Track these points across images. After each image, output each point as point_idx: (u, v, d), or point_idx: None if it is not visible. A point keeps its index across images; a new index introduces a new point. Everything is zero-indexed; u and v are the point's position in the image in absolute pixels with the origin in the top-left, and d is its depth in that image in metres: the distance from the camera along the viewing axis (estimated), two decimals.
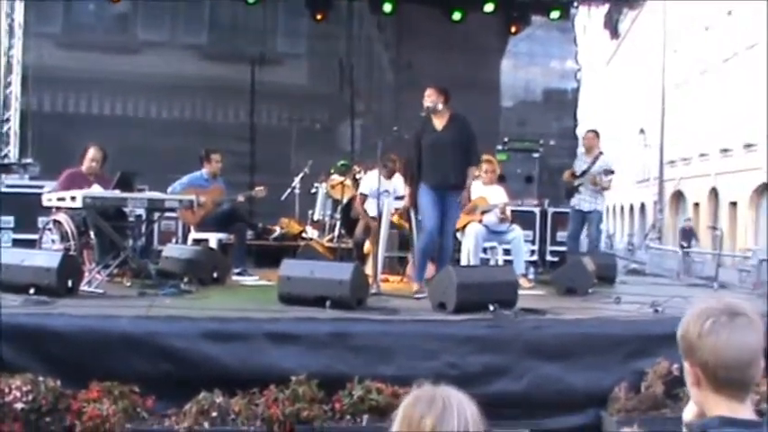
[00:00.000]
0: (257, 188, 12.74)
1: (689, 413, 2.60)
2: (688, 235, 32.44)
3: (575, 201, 13.38)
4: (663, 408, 7.72)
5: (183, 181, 11.88)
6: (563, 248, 13.95)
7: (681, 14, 43.47)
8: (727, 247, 32.27)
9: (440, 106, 10.31)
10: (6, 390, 6.74)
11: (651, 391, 7.82)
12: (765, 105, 30.28)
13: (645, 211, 51.67)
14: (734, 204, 36.94)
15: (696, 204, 41.98)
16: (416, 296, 9.96)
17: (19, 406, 6.72)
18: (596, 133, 13.98)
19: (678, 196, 45.21)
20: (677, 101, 44.30)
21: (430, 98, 10.32)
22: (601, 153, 13.49)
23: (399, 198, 11.68)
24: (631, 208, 56.10)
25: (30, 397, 6.76)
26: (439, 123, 10.35)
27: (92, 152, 11.07)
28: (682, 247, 29.07)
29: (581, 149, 13.90)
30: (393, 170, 11.98)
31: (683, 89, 43.66)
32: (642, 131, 49.78)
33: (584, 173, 13.25)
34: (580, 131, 16.91)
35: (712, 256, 24.50)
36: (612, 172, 13.33)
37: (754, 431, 2.40)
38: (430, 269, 10.61)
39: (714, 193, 39.47)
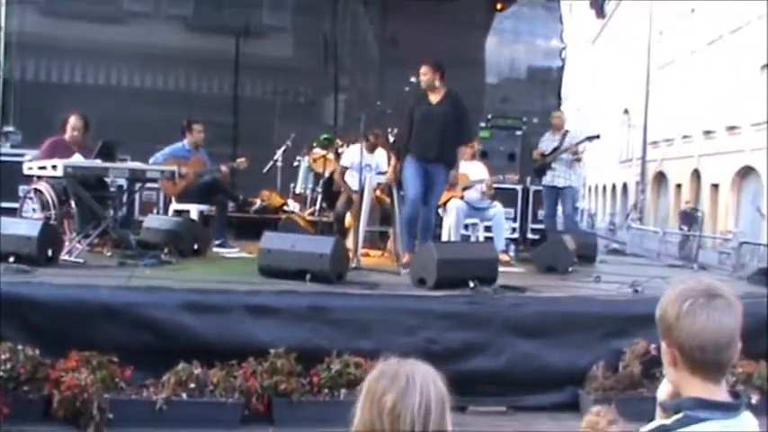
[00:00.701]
0: (239, 160, 12.71)
1: (663, 392, 2.61)
2: (688, 218, 32.19)
3: (548, 178, 13.41)
4: (640, 387, 7.76)
5: (165, 151, 11.84)
6: (556, 227, 13.94)
7: None
8: (707, 228, 32.42)
9: (437, 83, 10.30)
10: None
11: (629, 370, 7.87)
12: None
13: (627, 192, 51.77)
14: (715, 186, 37.05)
15: (678, 185, 42.07)
16: (404, 268, 9.96)
17: None
18: (563, 113, 14.21)
19: (660, 177, 45.30)
20: (662, 82, 44.35)
21: (426, 76, 10.29)
22: (567, 131, 13.54)
23: (381, 173, 11.66)
24: (613, 187, 56.20)
25: (8, 365, 6.75)
26: (434, 98, 10.34)
27: (73, 120, 11.02)
28: (681, 230, 29.01)
29: (549, 131, 13.86)
30: (375, 144, 11.97)
31: (668, 70, 43.69)
32: (626, 111, 49.90)
33: (554, 150, 13.27)
34: (565, 109, 16.94)
35: (692, 238, 24.64)
36: (598, 137, 13.41)
37: (729, 413, 2.41)
38: None
39: (696, 174, 39.56)
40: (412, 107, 10.42)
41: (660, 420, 2.44)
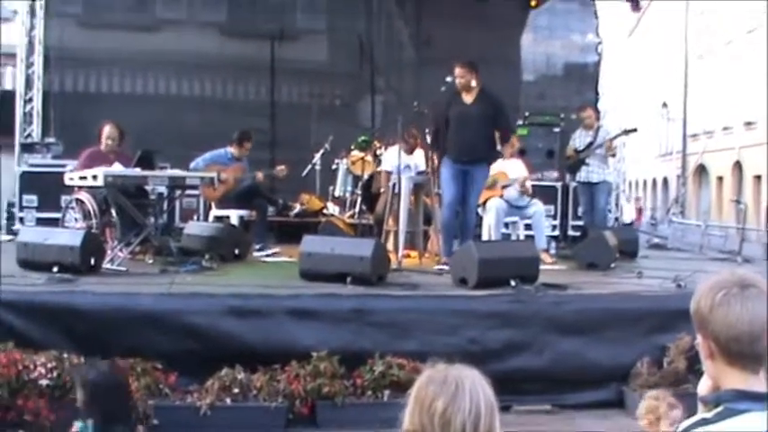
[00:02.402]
0: (278, 168, 12.75)
1: (704, 387, 2.60)
2: None
3: (582, 174, 13.30)
4: (685, 383, 7.68)
5: (206, 157, 11.89)
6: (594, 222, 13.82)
7: None
8: (751, 221, 32.07)
9: (473, 83, 10.29)
10: (31, 367, 6.81)
11: (673, 366, 7.82)
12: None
13: (668, 186, 51.38)
14: (758, 178, 36.67)
15: (719, 178, 41.70)
16: (438, 268, 9.99)
17: (44, 382, 6.79)
18: (596, 109, 14.17)
19: (701, 170, 44.90)
20: (700, 73, 43.97)
21: (463, 78, 10.27)
22: (600, 126, 13.45)
23: (421, 173, 11.64)
24: (654, 182, 55.78)
25: (54, 374, 6.83)
26: (468, 98, 10.32)
27: (107, 130, 11.08)
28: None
29: (579, 128, 13.75)
30: (414, 145, 11.95)
31: (707, 61, 43.31)
32: (665, 105, 49.44)
33: (588, 146, 13.17)
34: (602, 105, 16.83)
35: (736, 230, 24.38)
36: (635, 130, 13.33)
37: None
38: None
39: (738, 166, 39.19)
40: (444, 108, 10.40)
41: (701, 414, 2.42)
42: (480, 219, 11.65)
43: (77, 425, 4.66)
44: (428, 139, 11.43)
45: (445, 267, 9.97)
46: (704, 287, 2.43)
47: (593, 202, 13.28)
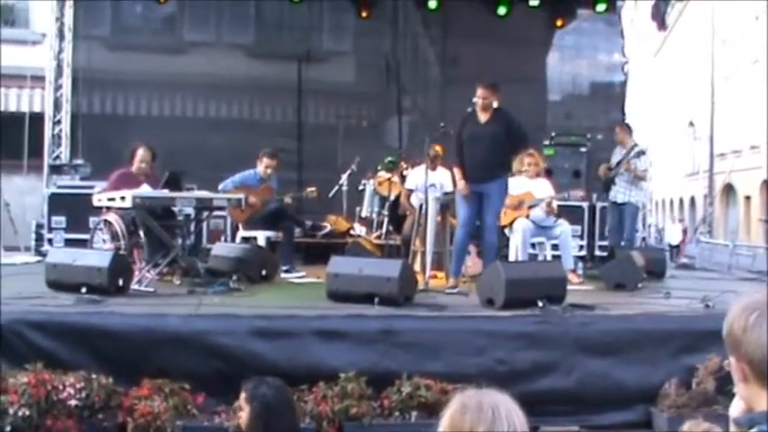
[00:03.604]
0: (309, 189, 12.80)
1: (736, 409, 2.58)
2: None
3: (611, 194, 13.30)
4: (714, 404, 7.64)
5: (236, 179, 11.93)
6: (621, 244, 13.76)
7: (729, 4, 42.94)
8: None
9: (495, 104, 10.29)
10: (60, 387, 6.85)
11: (702, 387, 7.76)
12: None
13: (695, 205, 51.14)
14: None
15: (747, 197, 41.48)
16: (447, 291, 10.04)
17: (72, 403, 6.83)
18: (626, 126, 14.03)
19: (728, 189, 44.69)
20: (727, 92, 43.81)
21: (486, 99, 10.24)
22: (635, 144, 13.37)
23: (447, 194, 11.64)
24: (681, 202, 55.54)
25: (83, 394, 6.86)
26: (483, 117, 10.32)
27: (141, 153, 11.12)
28: None
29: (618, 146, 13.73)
30: (436, 162, 11.94)
31: (733, 80, 43.16)
32: (692, 124, 49.24)
33: (618, 164, 13.15)
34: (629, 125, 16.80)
35: (765, 250, 24.21)
36: (644, 152, 13.21)
37: None
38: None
39: (766, 185, 38.96)
40: (459, 129, 10.41)
41: None
42: (507, 240, 11.64)
43: None
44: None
45: (454, 290, 10.04)
46: (737, 308, 2.42)
47: (620, 223, 13.25)
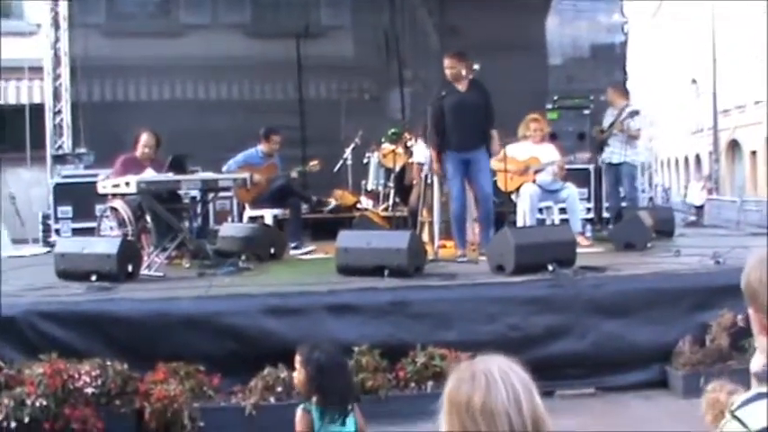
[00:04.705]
0: (311, 163, 12.78)
1: (757, 362, 2.55)
2: None
3: (606, 155, 13.27)
4: (729, 360, 7.66)
5: (239, 158, 11.93)
6: (620, 204, 13.74)
7: None
8: None
9: (463, 72, 10.27)
10: (76, 375, 6.86)
11: (716, 343, 7.77)
12: None
13: (700, 163, 51.00)
14: None
15: (753, 152, 41.31)
16: (458, 260, 10.08)
17: (89, 390, 6.85)
18: (619, 87, 14.08)
19: (734, 145, 44.54)
20: (729, 48, 43.55)
21: (454, 69, 10.29)
22: (627, 105, 13.31)
23: None
24: (686, 160, 55.38)
25: (99, 381, 6.88)
26: (461, 87, 10.32)
27: (145, 138, 11.10)
28: None
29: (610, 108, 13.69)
30: None
31: (735, 35, 42.90)
32: (694, 81, 49.09)
33: (611, 125, 13.10)
34: (631, 85, 16.71)
35: None
36: (637, 112, 13.15)
37: None
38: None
39: None
40: (438, 101, 10.38)
41: (756, 389, 2.37)
42: (514, 205, 11.62)
43: (302, 404, 4.85)
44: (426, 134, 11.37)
45: (464, 259, 10.09)
46: (754, 260, 2.38)
47: (617, 184, 13.22)
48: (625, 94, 13.74)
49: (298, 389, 5.07)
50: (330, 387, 4.79)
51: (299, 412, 4.85)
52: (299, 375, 4.94)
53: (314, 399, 4.80)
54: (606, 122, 13.30)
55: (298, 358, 4.94)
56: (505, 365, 2.24)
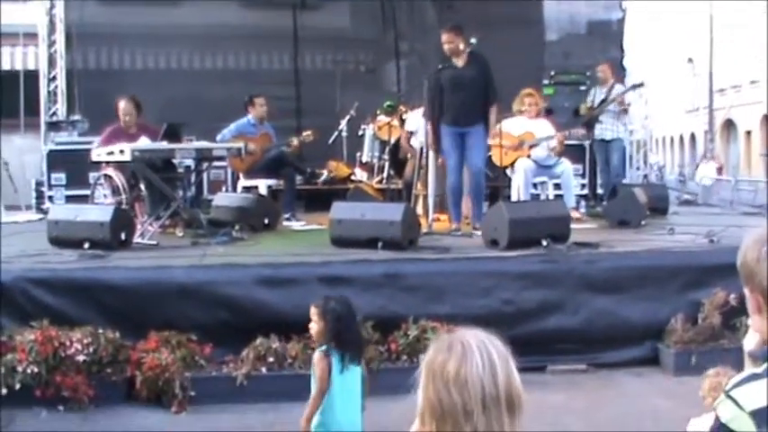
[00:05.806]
0: (305, 133, 12.72)
1: (751, 341, 2.55)
2: None
3: (597, 131, 13.26)
4: (720, 338, 7.69)
5: (232, 128, 11.87)
6: (612, 180, 13.74)
7: None
8: None
9: (461, 46, 10.22)
10: (67, 343, 6.87)
11: (708, 321, 7.79)
12: None
13: (695, 142, 51.03)
14: None
15: (748, 132, 41.36)
16: (452, 233, 10.07)
17: (80, 358, 6.85)
18: (612, 64, 14.10)
19: (729, 125, 44.57)
20: (726, 27, 43.47)
21: (452, 43, 10.20)
22: (615, 83, 13.32)
23: None
24: (681, 138, 55.42)
25: (90, 349, 6.89)
26: (459, 61, 10.26)
27: (122, 106, 10.98)
28: None
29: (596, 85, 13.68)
30: None
31: (731, 14, 42.82)
32: (690, 60, 49.05)
33: (602, 102, 13.09)
34: (627, 62, 16.68)
35: (766, 184, 24.19)
36: (642, 84, 13.17)
37: None
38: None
39: (766, 119, 38.81)
40: (436, 75, 10.33)
41: (751, 369, 2.37)
42: (509, 180, 11.62)
43: (321, 348, 5.19)
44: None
45: (458, 232, 10.07)
46: (750, 240, 2.37)
47: (608, 160, 13.22)
48: (616, 71, 13.75)
49: (315, 339, 5.39)
50: (347, 333, 5.18)
51: (317, 354, 5.15)
52: (316, 327, 5.23)
53: (332, 344, 5.13)
54: (597, 99, 13.29)
55: (314, 310, 5.24)
56: (484, 336, 2.23)
